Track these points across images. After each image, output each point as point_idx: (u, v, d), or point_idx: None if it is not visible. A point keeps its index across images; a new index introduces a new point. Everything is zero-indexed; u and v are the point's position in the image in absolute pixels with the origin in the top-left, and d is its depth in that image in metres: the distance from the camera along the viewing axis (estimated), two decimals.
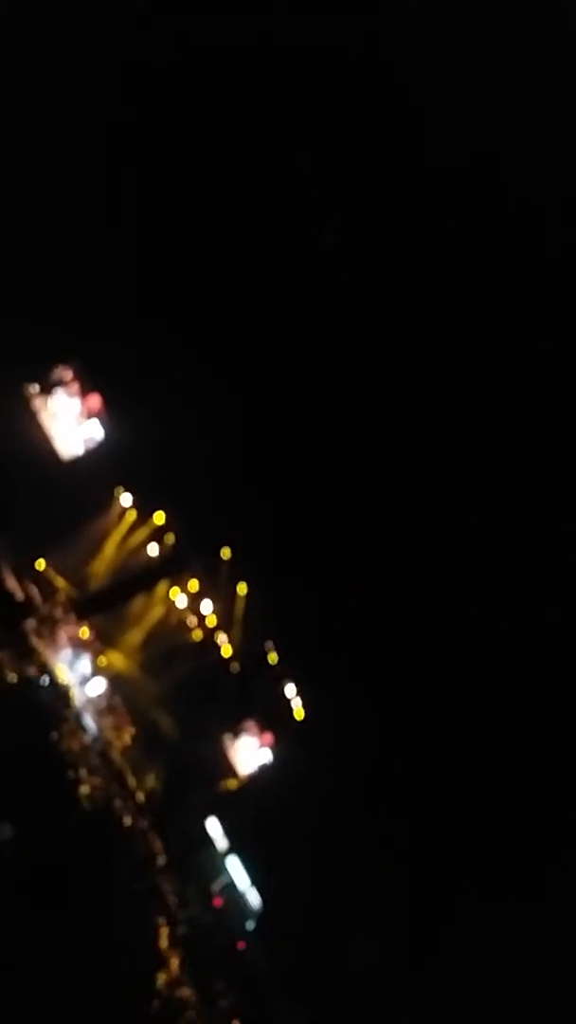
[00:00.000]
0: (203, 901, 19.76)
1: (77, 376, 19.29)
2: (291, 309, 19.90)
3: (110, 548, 21.56)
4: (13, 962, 11.38)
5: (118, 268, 18.81)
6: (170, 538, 22.47)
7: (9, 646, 15.87)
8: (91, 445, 19.33)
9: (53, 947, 12.00)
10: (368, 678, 21.57)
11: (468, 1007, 18.97)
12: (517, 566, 20.25)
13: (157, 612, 22.27)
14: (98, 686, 19.09)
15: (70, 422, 19.18)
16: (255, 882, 21.28)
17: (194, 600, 22.82)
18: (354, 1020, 19.68)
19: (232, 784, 22.00)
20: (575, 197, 16.48)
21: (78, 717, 16.90)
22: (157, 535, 22.35)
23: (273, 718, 22.85)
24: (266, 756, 22.32)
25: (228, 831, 21.40)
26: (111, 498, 21.76)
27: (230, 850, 21.25)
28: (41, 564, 19.42)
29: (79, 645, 19.20)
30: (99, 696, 19.02)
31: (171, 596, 22.69)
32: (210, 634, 23.00)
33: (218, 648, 22.99)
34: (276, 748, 22.44)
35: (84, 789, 15.30)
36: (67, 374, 19.19)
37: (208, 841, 21.12)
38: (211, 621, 22.92)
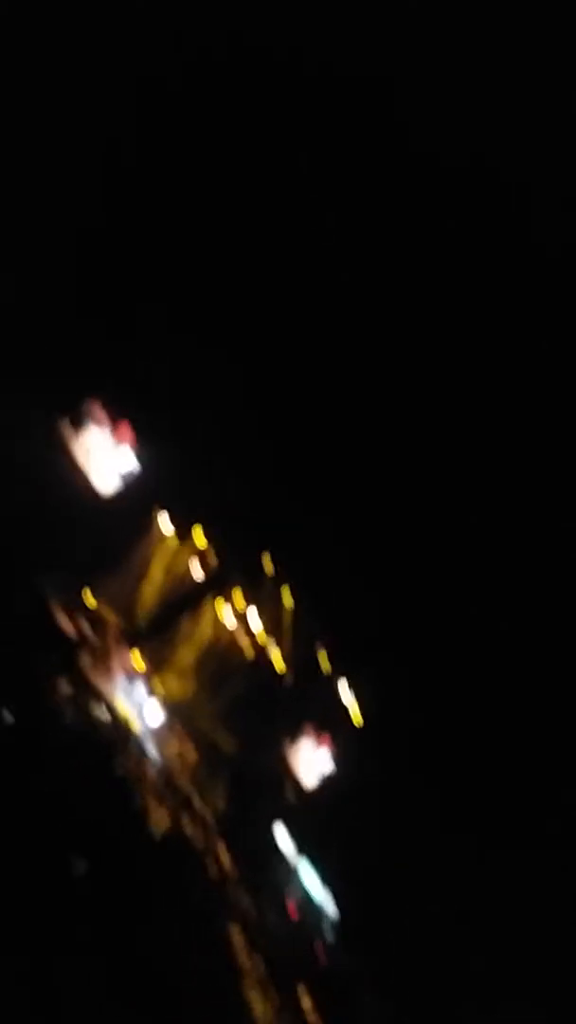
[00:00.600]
0: (279, 912, 19.89)
1: (105, 407, 19.48)
2: (313, 313, 19.94)
3: (154, 572, 21.75)
4: (99, 991, 11.57)
5: (132, 285, 18.92)
6: (211, 554, 22.61)
7: (67, 683, 16.08)
8: (127, 478, 19.51)
9: (136, 974, 12.22)
10: (422, 673, 21.62)
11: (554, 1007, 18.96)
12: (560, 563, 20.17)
13: (206, 630, 22.43)
14: (156, 712, 19.28)
15: (104, 455, 19.39)
16: (329, 888, 21.41)
17: (241, 613, 22.94)
18: (441, 1017, 19.76)
19: (297, 793, 22.12)
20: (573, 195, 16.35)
21: (139, 745, 17.08)
22: (198, 553, 22.50)
23: (331, 723, 22.93)
24: (327, 761, 22.41)
25: (297, 840, 21.54)
26: (150, 522, 21.94)
27: (301, 858, 21.39)
28: (88, 597, 19.63)
29: (133, 673, 19.40)
30: (158, 722, 19.21)
31: (218, 612, 22.82)
32: (260, 645, 23.11)
33: (270, 659, 23.10)
34: (336, 752, 22.52)
35: (153, 817, 15.48)
36: (96, 407, 19.39)
37: (278, 852, 21.27)
38: (259, 632, 23.03)
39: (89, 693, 16.67)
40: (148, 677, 19.87)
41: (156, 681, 20.23)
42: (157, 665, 20.84)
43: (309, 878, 21.49)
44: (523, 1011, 19.52)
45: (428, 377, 19.82)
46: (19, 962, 10.74)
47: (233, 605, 22.88)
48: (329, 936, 21.22)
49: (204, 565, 22.61)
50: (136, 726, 17.64)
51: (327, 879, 21.58)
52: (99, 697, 16.81)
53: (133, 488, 20.11)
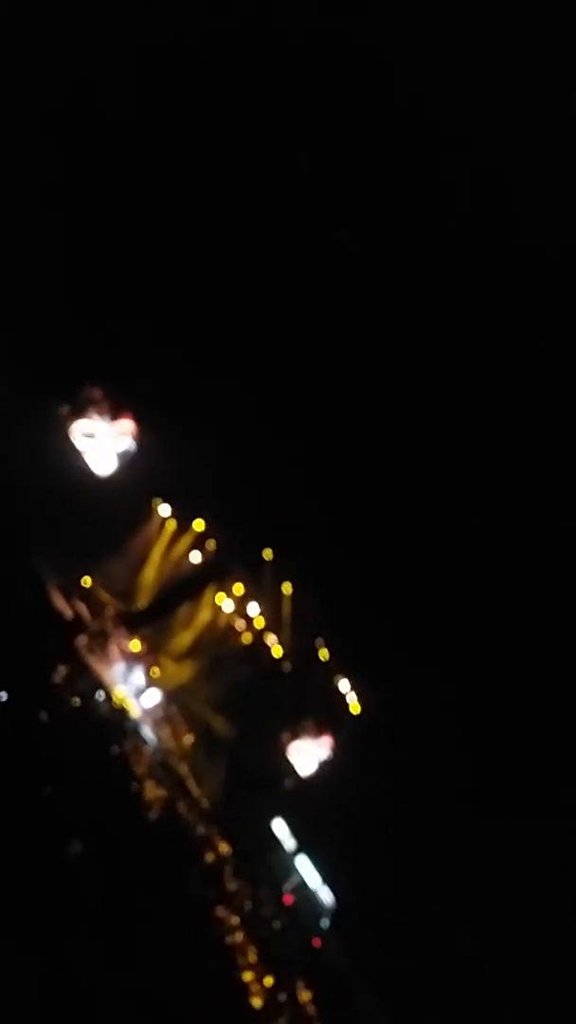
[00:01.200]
0: (276, 902, 19.83)
1: (107, 393, 19.44)
2: (316, 311, 19.89)
3: (154, 559, 21.73)
4: (90, 974, 11.51)
5: (137, 279, 18.90)
6: (211, 544, 22.58)
7: (64, 665, 16.04)
8: (125, 460, 19.45)
9: (131, 958, 12.15)
10: (421, 665, 21.54)
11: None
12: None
13: (205, 619, 22.41)
14: (153, 697, 19.25)
15: (104, 441, 19.34)
16: (326, 879, 21.33)
17: (240, 603, 22.91)
18: (441, 1013, 19.63)
19: (294, 783, 22.04)
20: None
21: (136, 729, 17.05)
22: (199, 542, 22.47)
23: (329, 714, 22.86)
24: (325, 753, 22.33)
25: (295, 831, 21.47)
26: (150, 510, 21.92)
27: (299, 849, 21.32)
28: (87, 581, 19.60)
29: (131, 658, 19.38)
30: (155, 707, 19.18)
31: (217, 601, 22.79)
32: (259, 636, 23.08)
33: (268, 649, 23.06)
34: (335, 744, 22.45)
35: (149, 800, 15.44)
36: (97, 393, 19.34)
37: (276, 842, 21.20)
38: (259, 623, 23.00)
39: (86, 676, 16.63)
40: (146, 662, 19.86)
41: (154, 666, 20.21)
42: (155, 650, 20.82)
43: (306, 870, 21.43)
44: (523, 1008, 19.42)
45: (430, 370, 19.76)
46: (10, 944, 10.70)
47: (233, 595, 22.86)
48: (326, 929, 21.15)
49: (204, 555, 22.59)
50: (133, 710, 17.60)
51: (324, 872, 21.51)
52: (96, 681, 16.77)
53: (134, 474, 20.07)
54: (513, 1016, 19.64)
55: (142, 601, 21.34)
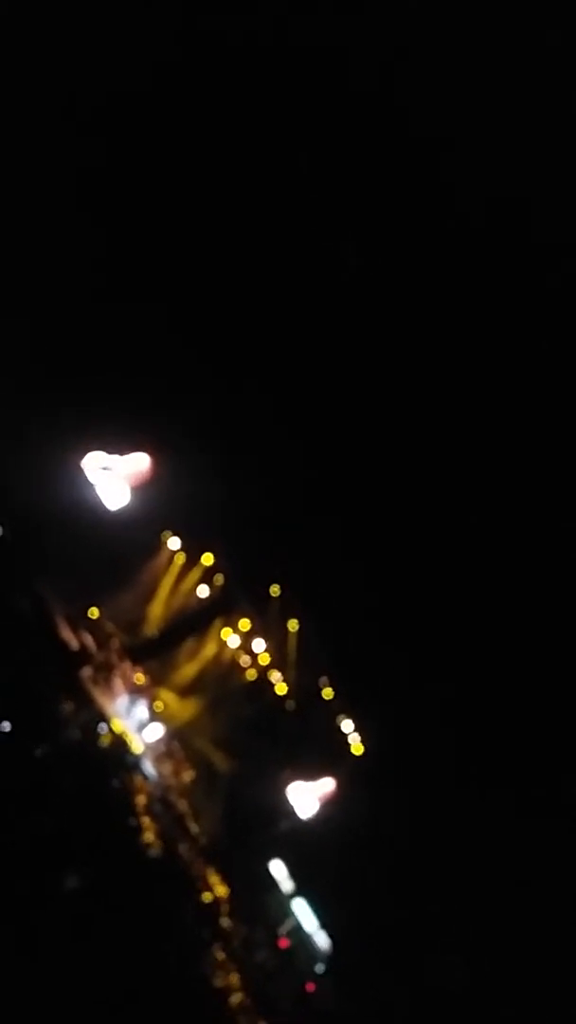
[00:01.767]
0: (271, 944, 19.62)
1: (122, 430, 19.65)
2: (329, 338, 20.03)
3: (161, 593, 21.80)
4: (81, 1010, 11.40)
5: (147, 311, 19.07)
6: (219, 579, 22.64)
7: (67, 696, 16.03)
8: (137, 494, 19.62)
9: (121, 995, 12.03)
10: (425, 709, 21.44)
11: None
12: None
13: (210, 654, 22.41)
14: (156, 731, 19.18)
15: (117, 473, 19.51)
16: (323, 924, 21.10)
17: (246, 639, 22.93)
18: None
19: (293, 824, 21.88)
20: None
21: (137, 763, 16.98)
22: (206, 576, 22.54)
23: (332, 754, 22.76)
24: (327, 793, 22.19)
25: (293, 872, 21.28)
26: (159, 543, 22.03)
27: (296, 892, 21.11)
28: (94, 612, 19.65)
29: (135, 691, 19.35)
30: (157, 741, 19.11)
31: (223, 636, 22.81)
32: (264, 672, 23.06)
33: (272, 686, 23.02)
34: (336, 785, 22.31)
35: (147, 836, 15.33)
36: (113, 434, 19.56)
37: (273, 883, 21.02)
38: (264, 659, 22.99)
39: (89, 708, 16.60)
40: (150, 695, 19.83)
41: (157, 700, 20.18)
42: (160, 684, 20.80)
43: (303, 913, 21.20)
44: None
45: (438, 406, 19.84)
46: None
47: (239, 631, 22.88)
48: (320, 974, 20.90)
49: (211, 590, 22.65)
50: (135, 744, 17.53)
51: (321, 916, 21.29)
52: (99, 713, 16.74)
53: (144, 508, 20.21)
54: None
55: (148, 634, 21.40)
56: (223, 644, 22.69)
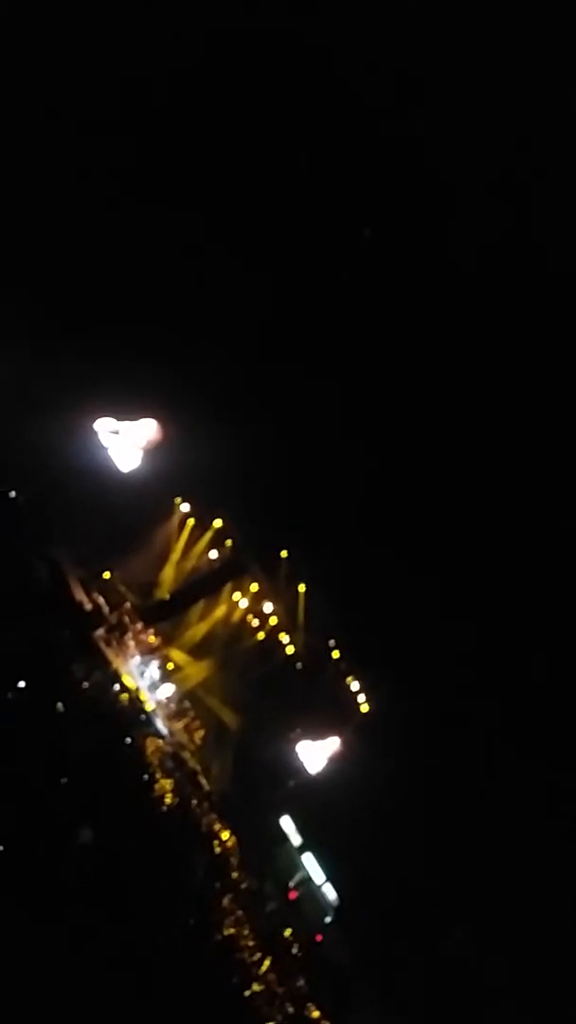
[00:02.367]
0: (280, 897, 20.08)
1: (135, 397, 19.79)
2: (339, 309, 20.11)
3: (173, 556, 22.07)
4: (95, 957, 11.75)
5: (163, 289, 19.18)
6: (229, 543, 22.88)
7: (81, 655, 16.35)
8: (148, 458, 19.80)
9: (135, 943, 12.41)
10: (430, 668, 21.75)
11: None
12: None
13: (221, 616, 22.70)
14: (167, 690, 19.56)
15: (127, 437, 19.71)
16: (331, 876, 21.58)
17: (256, 602, 23.19)
18: (434, 1010, 19.86)
19: (303, 780, 22.29)
20: None
21: (150, 721, 17.32)
22: (217, 541, 22.78)
23: (340, 713, 23.10)
24: (334, 751, 22.59)
25: (301, 827, 21.72)
26: (171, 508, 22.26)
27: (305, 846, 21.57)
28: (107, 575, 19.94)
29: (147, 651, 19.68)
30: (169, 699, 19.48)
31: (234, 599, 23.08)
32: (273, 634, 23.35)
33: (282, 647, 23.33)
34: (344, 742, 22.69)
35: (160, 791, 15.67)
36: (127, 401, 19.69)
37: (283, 838, 21.46)
38: (273, 621, 23.27)
39: (103, 668, 16.92)
40: (161, 656, 20.16)
41: (169, 660, 20.52)
42: (171, 645, 21.14)
43: (312, 866, 21.68)
44: (523, 1008, 19.62)
45: (443, 375, 19.97)
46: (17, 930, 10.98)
47: (248, 594, 23.13)
48: (329, 925, 21.39)
49: (221, 553, 22.89)
50: (148, 702, 17.88)
51: (330, 869, 21.75)
52: (112, 672, 17.07)
53: (156, 473, 20.42)
54: (511, 1009, 19.88)
55: (160, 596, 21.71)
56: (233, 606, 22.96)
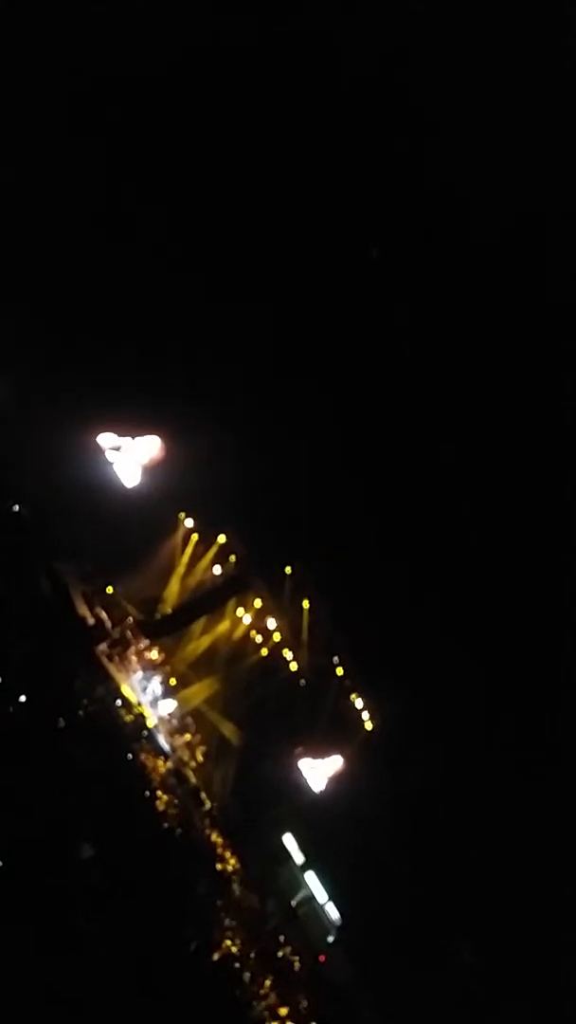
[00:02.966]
0: (282, 915, 19.96)
1: (139, 413, 19.89)
2: (343, 327, 20.19)
3: (176, 571, 22.09)
4: (96, 973, 11.69)
5: (167, 305, 19.28)
6: (233, 558, 22.89)
7: (83, 670, 16.34)
8: (151, 474, 19.88)
9: (135, 958, 12.34)
10: (435, 686, 21.68)
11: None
12: None
13: (224, 631, 22.68)
14: (169, 706, 19.53)
15: (130, 453, 19.79)
16: (333, 895, 21.45)
17: (259, 618, 23.16)
18: None
19: (305, 798, 22.19)
20: None
21: (152, 736, 17.29)
22: (221, 556, 22.79)
23: (343, 730, 23.02)
24: (337, 768, 22.50)
25: (304, 845, 21.62)
26: (175, 524, 22.30)
27: (307, 864, 21.46)
28: (111, 590, 19.96)
29: (150, 667, 19.67)
30: (171, 715, 19.45)
31: (237, 615, 23.07)
32: (277, 650, 23.30)
33: (285, 664, 23.28)
34: (347, 760, 22.60)
35: (161, 806, 15.63)
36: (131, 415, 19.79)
37: (286, 856, 21.36)
38: (277, 637, 23.23)
39: (105, 683, 16.91)
40: (164, 671, 20.15)
41: (171, 675, 20.50)
42: (174, 660, 21.12)
43: (315, 885, 21.57)
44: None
45: (450, 392, 20.02)
46: (22, 935, 10.93)
47: (252, 610, 23.11)
48: (331, 943, 21.26)
49: (225, 569, 22.90)
50: (150, 718, 17.86)
51: (332, 887, 21.64)
52: (115, 687, 17.06)
53: (160, 489, 20.48)
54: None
55: (163, 611, 21.71)
56: (237, 622, 22.94)
